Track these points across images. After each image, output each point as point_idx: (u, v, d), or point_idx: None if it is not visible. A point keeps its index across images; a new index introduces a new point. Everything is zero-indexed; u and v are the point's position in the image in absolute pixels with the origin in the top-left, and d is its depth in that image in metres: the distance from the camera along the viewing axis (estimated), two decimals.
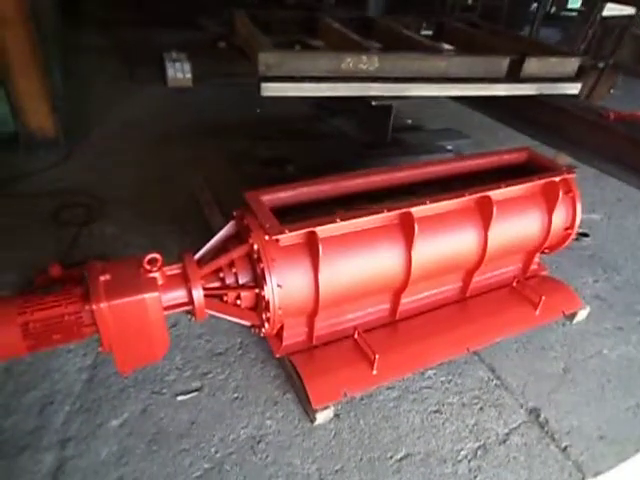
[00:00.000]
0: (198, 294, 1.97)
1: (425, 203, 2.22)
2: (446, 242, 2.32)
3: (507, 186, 2.41)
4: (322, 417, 2.07)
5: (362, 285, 2.19)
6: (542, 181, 2.53)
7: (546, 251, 2.87)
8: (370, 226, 2.15)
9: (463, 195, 2.32)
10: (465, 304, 2.65)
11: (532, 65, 3.32)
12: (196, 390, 2.18)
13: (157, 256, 1.93)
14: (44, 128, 4.04)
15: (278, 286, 1.98)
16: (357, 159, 3.59)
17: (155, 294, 1.88)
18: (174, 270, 2.02)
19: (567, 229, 2.70)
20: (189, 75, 5.51)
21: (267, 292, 1.96)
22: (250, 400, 2.16)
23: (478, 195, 2.34)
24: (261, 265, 1.95)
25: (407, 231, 2.18)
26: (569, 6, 11.77)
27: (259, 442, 1.99)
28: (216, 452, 1.93)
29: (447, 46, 4.26)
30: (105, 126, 4.60)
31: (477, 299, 2.66)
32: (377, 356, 2.14)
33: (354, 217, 2.08)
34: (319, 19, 3.94)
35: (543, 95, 3.53)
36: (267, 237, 1.94)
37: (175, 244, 3.00)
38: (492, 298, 2.67)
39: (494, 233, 2.38)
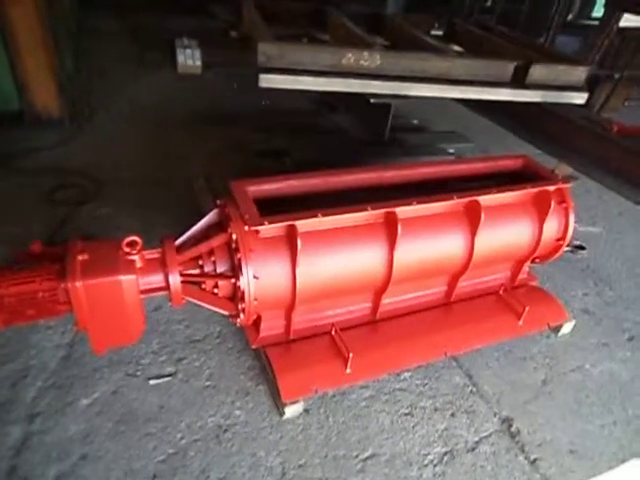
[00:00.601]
0: (174, 280, 1.97)
1: (411, 204, 2.19)
2: (431, 245, 2.30)
3: (498, 192, 2.38)
4: (291, 411, 2.07)
5: (341, 282, 2.18)
6: (535, 189, 2.49)
7: (537, 261, 2.83)
8: (353, 223, 2.13)
9: (451, 198, 2.29)
10: (449, 308, 2.62)
11: (538, 71, 3.27)
12: (169, 375, 2.19)
13: (136, 239, 1.94)
14: (49, 107, 4.08)
15: (254, 277, 1.98)
16: (355, 156, 3.56)
17: (132, 277, 1.88)
18: (153, 254, 2.02)
19: (559, 240, 2.66)
20: (199, 62, 5.52)
21: (243, 282, 1.96)
22: (222, 389, 2.16)
23: (467, 199, 2.32)
24: (238, 255, 1.95)
25: (390, 231, 2.16)
26: (593, 14, 11.57)
27: (225, 431, 1.99)
28: (181, 438, 1.94)
29: (456, 47, 4.24)
30: (111, 108, 4.62)
31: (461, 304, 2.64)
32: (351, 355, 2.13)
33: (336, 213, 2.06)
34: (328, 13, 3.92)
35: (548, 103, 3.48)
36: (246, 227, 1.94)
37: (166, 229, 2.97)
38: (476, 304, 2.64)
39: (481, 239, 2.35)
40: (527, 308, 2.50)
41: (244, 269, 1.95)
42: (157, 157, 3.88)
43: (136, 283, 1.91)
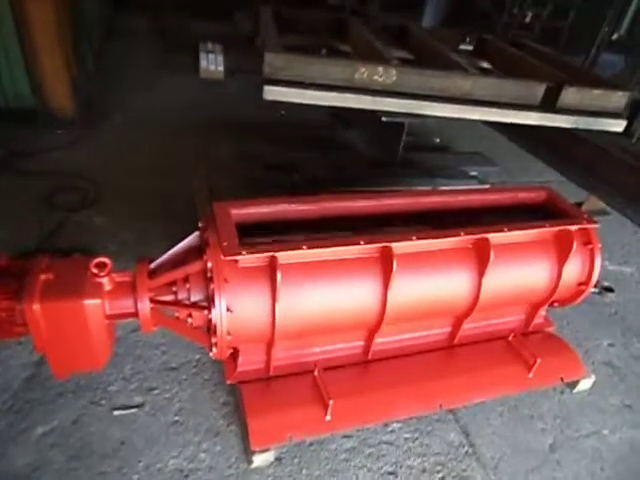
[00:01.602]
0: (144, 306, 1.82)
1: (411, 238, 1.98)
2: (431, 284, 2.07)
3: (511, 230, 2.13)
4: (260, 460, 1.87)
5: (327, 320, 1.98)
6: (555, 228, 2.23)
7: (555, 305, 2.55)
8: (343, 257, 1.93)
9: (458, 234, 2.06)
10: (451, 353, 2.38)
11: (570, 95, 2.99)
12: (136, 406, 2.03)
13: (106, 260, 1.80)
14: (64, 107, 4.04)
15: (228, 310, 1.80)
16: (367, 176, 3.36)
17: (97, 301, 1.75)
18: (124, 277, 1.88)
19: (581, 284, 2.38)
20: (221, 68, 5.43)
21: (214, 315, 1.79)
22: (190, 426, 1.99)
23: (475, 237, 2.08)
24: (212, 285, 1.78)
25: (385, 267, 1.94)
26: None
27: (186, 477, 1.81)
28: None
29: (485, 64, 3.99)
30: (126, 111, 4.57)
31: (465, 349, 2.39)
32: (331, 402, 1.92)
33: (323, 246, 1.87)
34: (350, 23, 3.73)
35: (581, 130, 3.19)
36: (222, 256, 1.77)
37: (161, 244, 2.87)
38: (482, 351, 2.39)
39: (490, 280, 2.11)
40: (538, 360, 2.24)
41: (217, 301, 1.78)
42: (164, 164, 3.78)
43: (102, 307, 1.77)
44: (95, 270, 1.78)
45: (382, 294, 1.96)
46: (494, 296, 2.20)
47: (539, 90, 3.00)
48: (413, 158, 3.77)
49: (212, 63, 5.42)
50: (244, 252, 1.77)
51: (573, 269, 2.32)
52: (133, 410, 2.01)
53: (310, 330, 2.01)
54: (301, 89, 2.70)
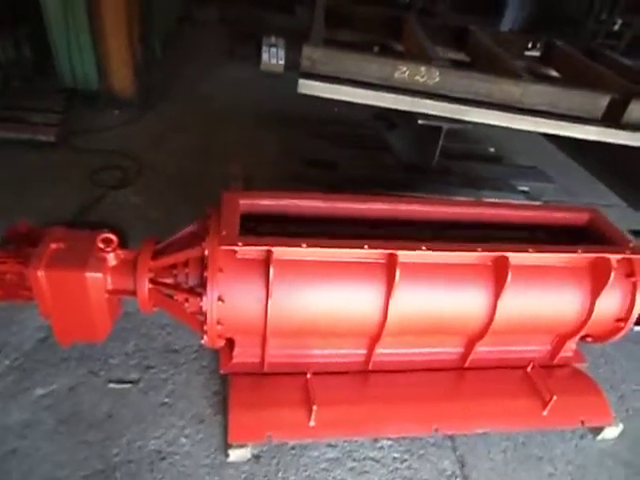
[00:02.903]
0: (142, 285, 1.85)
1: (420, 248, 1.86)
2: (439, 299, 1.94)
3: (537, 251, 1.94)
4: (236, 455, 1.85)
5: (323, 322, 1.91)
6: (591, 255, 2.01)
7: (588, 340, 2.31)
8: (344, 259, 1.85)
9: (474, 250, 1.91)
10: (459, 375, 2.22)
11: (639, 109, 2.68)
12: (131, 382, 2.08)
13: (111, 237, 1.85)
14: (125, 90, 4.25)
15: (220, 300, 1.79)
16: (404, 180, 3.23)
17: (98, 274, 1.80)
18: (129, 255, 1.93)
19: (619, 320, 2.13)
20: (282, 62, 5.47)
21: (205, 303, 1.78)
22: (177, 410, 2.00)
23: (493, 254, 1.92)
24: (205, 273, 1.78)
25: (389, 275, 1.84)
26: None
27: (162, 459, 1.83)
28: (116, 455, 1.81)
29: (552, 72, 3.70)
30: (183, 97, 4.72)
31: (476, 374, 2.22)
32: (315, 407, 1.86)
33: (324, 246, 1.80)
34: (404, 21, 3.60)
35: None
36: (218, 245, 1.75)
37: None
38: (494, 378, 2.21)
39: (507, 303, 1.94)
40: (555, 397, 2.02)
41: (209, 289, 1.77)
42: (208, 150, 3.86)
43: (103, 282, 1.82)
44: (101, 245, 1.83)
45: (383, 303, 1.86)
46: (511, 321, 2.02)
47: (602, 102, 2.72)
48: (457, 166, 3.57)
49: (273, 57, 5.47)
50: (240, 243, 1.75)
51: (610, 302, 2.07)
52: (127, 385, 2.06)
53: (304, 330, 1.95)
54: (337, 85, 2.63)
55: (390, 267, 1.83)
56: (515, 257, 1.91)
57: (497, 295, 1.93)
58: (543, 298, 2.03)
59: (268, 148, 4.03)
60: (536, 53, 3.90)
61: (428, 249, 1.85)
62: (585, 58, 3.45)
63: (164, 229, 2.35)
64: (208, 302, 1.78)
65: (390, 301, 1.84)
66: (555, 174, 4.22)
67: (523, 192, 3.60)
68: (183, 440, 1.90)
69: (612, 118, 2.77)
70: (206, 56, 5.76)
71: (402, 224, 2.14)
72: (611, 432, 2.14)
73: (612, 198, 3.82)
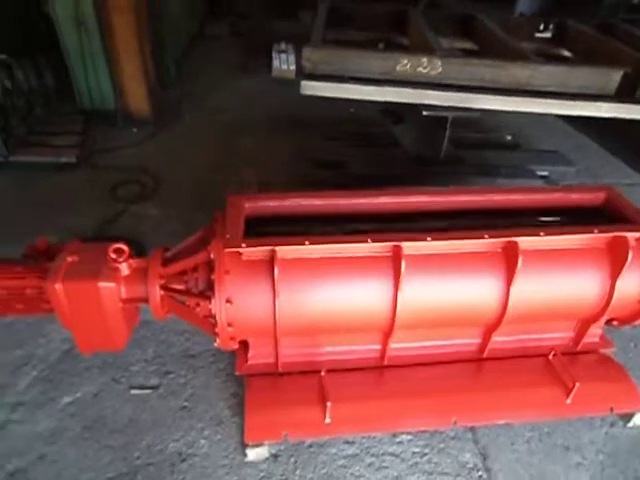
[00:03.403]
0: (154, 292, 1.89)
1: (425, 239, 1.84)
2: (448, 289, 1.90)
3: (548, 234, 1.89)
4: (254, 454, 1.87)
5: (332, 319, 1.91)
6: (607, 234, 1.93)
7: (614, 324, 2.22)
8: (349, 255, 1.85)
9: (481, 237, 1.87)
10: (478, 366, 2.17)
11: None
12: (151, 388, 2.13)
13: (123, 247, 1.91)
14: (140, 109, 4.39)
15: (228, 302, 1.82)
16: (414, 173, 3.19)
17: (111, 284, 1.85)
18: (141, 264, 1.98)
19: None
20: (293, 67, 5.52)
21: (214, 306, 1.81)
22: (197, 413, 2.04)
23: (502, 240, 1.87)
24: (212, 276, 1.81)
25: (395, 268, 1.83)
26: None
27: (183, 461, 1.87)
28: (137, 458, 1.86)
29: (564, 52, 3.60)
30: (197, 111, 4.81)
31: (495, 364, 2.16)
32: (329, 404, 1.85)
33: (327, 242, 1.81)
34: (409, 15, 3.58)
35: None
36: (223, 248, 1.79)
37: None
38: (515, 368, 2.15)
39: (520, 290, 1.89)
40: (577, 384, 1.95)
41: (217, 291, 1.80)
42: (222, 160, 3.93)
43: (117, 291, 1.87)
44: (113, 255, 1.89)
45: (392, 296, 1.84)
46: (527, 308, 1.97)
47: (614, 77, 2.63)
48: (472, 155, 3.51)
49: (284, 63, 5.53)
50: (244, 245, 1.78)
51: (631, 283, 1.99)
52: (148, 391, 2.12)
53: (315, 328, 1.95)
54: (339, 83, 2.65)
55: (396, 259, 1.82)
56: (525, 242, 1.86)
57: (509, 282, 1.88)
58: (560, 282, 1.97)
59: (282, 153, 4.07)
60: (548, 35, 3.81)
61: (433, 239, 1.84)
62: (598, 34, 3.34)
63: (181, 239, 2.40)
64: (217, 305, 1.81)
65: (398, 294, 1.83)
66: (579, 157, 4.10)
67: (542, 177, 3.50)
68: (202, 442, 1.94)
69: (626, 93, 2.67)
70: (219, 70, 5.87)
71: (409, 216, 2.12)
72: None
73: (636, 177, 3.67)
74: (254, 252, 1.81)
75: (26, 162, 3.62)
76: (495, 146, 3.86)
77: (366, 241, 1.81)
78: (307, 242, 1.79)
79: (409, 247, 1.82)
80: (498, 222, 2.04)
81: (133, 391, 2.11)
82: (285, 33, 6.37)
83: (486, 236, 1.86)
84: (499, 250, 1.91)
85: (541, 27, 3.69)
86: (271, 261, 1.80)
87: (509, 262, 1.88)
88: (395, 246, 1.82)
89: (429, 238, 1.83)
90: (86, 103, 4.28)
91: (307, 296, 1.85)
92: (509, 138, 4.09)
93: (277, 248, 1.77)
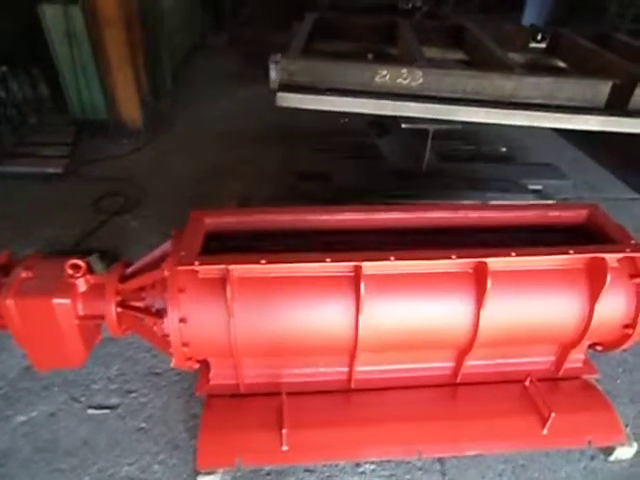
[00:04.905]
0: (110, 310, 1.84)
1: (388, 259, 1.75)
2: (413, 311, 1.81)
3: (521, 255, 1.79)
4: None
5: (291, 340, 1.82)
6: (584, 255, 1.82)
7: (598, 349, 2.10)
8: (307, 274, 1.77)
9: (448, 257, 1.77)
10: (451, 392, 2.06)
11: None
12: (110, 408, 2.07)
13: (80, 263, 1.85)
14: (133, 120, 4.39)
15: (182, 321, 1.75)
16: (398, 187, 3.10)
17: (66, 301, 1.80)
18: (98, 280, 1.93)
19: (627, 327, 1.92)
20: None
21: (166, 325, 1.75)
22: (153, 435, 1.97)
23: (471, 260, 1.78)
24: (165, 295, 1.75)
25: (356, 287, 1.74)
26: None
27: None
28: None
29: (559, 62, 3.50)
30: (190, 123, 4.80)
31: (468, 390, 2.05)
32: (284, 431, 1.77)
33: (282, 261, 1.73)
34: (398, 26, 3.51)
35: None
36: (176, 266, 1.72)
37: None
38: (489, 395, 2.03)
39: (490, 312, 1.79)
40: (553, 414, 1.83)
41: (169, 311, 1.73)
42: (210, 172, 3.90)
43: (73, 308, 1.82)
44: (70, 271, 1.84)
45: (353, 318, 1.76)
46: (500, 331, 1.86)
47: (602, 89, 2.53)
48: (460, 169, 3.41)
49: None
50: (197, 262, 1.71)
51: (611, 306, 1.87)
52: (106, 411, 2.05)
53: (274, 350, 1.87)
54: (315, 95, 2.59)
55: (356, 280, 1.73)
56: (495, 262, 1.76)
57: (479, 304, 1.78)
58: (534, 305, 1.86)
59: (270, 165, 4.02)
60: (542, 45, 3.71)
61: (396, 259, 1.75)
62: (591, 45, 3.24)
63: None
64: (170, 324, 1.74)
65: (359, 316, 1.74)
66: (578, 169, 3.98)
67: (534, 191, 3.38)
68: (156, 467, 1.86)
69: (617, 105, 2.56)
70: (216, 80, 5.88)
71: (376, 233, 2.04)
72: (625, 452, 1.91)
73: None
74: (210, 270, 1.74)
75: (13, 173, 3.63)
76: (487, 159, 3.76)
77: (324, 260, 1.73)
78: (263, 261, 1.71)
79: (370, 267, 1.73)
80: (468, 240, 1.95)
81: (90, 411, 2.05)
82: (277, 44, 6.34)
83: (453, 256, 1.77)
84: (469, 271, 1.82)
85: (539, 37, 3.59)
86: (224, 280, 1.74)
87: (479, 283, 1.78)
88: (355, 266, 1.74)
89: (392, 258, 1.74)
90: (78, 113, 4.29)
91: (264, 316, 1.77)
92: (504, 150, 3.99)
93: (231, 267, 1.70)
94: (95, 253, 2.71)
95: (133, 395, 2.12)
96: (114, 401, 2.09)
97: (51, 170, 3.62)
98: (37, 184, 3.56)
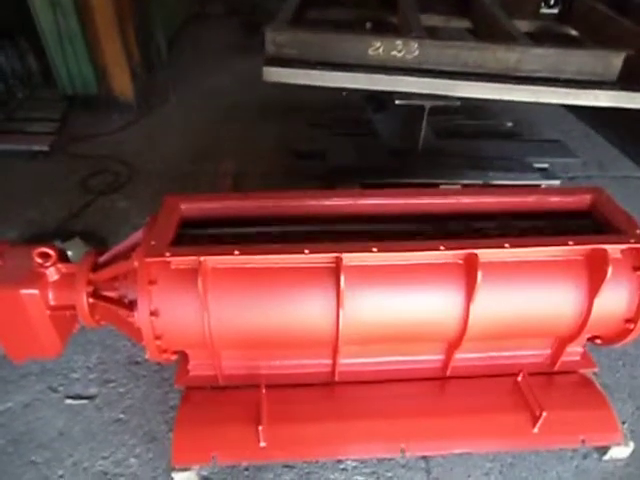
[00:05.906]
0: (81, 300, 1.76)
1: (370, 250, 1.63)
2: (395, 304, 1.70)
3: (514, 246, 1.66)
4: (181, 478, 1.73)
5: (270, 333, 1.73)
6: (584, 246, 1.69)
7: (597, 342, 1.98)
8: (284, 265, 1.66)
9: (436, 248, 1.65)
10: (440, 387, 1.98)
11: None
12: (88, 398, 2.02)
13: (49, 251, 1.77)
14: (124, 93, 4.23)
15: (153, 314, 1.66)
16: (394, 167, 2.95)
17: (34, 291, 1.72)
18: (70, 269, 1.84)
19: (629, 321, 1.80)
20: None
21: (137, 317, 1.66)
22: (131, 427, 1.92)
23: (460, 252, 1.66)
24: (135, 287, 1.65)
25: (336, 280, 1.63)
26: None
27: None
28: (60, 477, 1.75)
29: (571, 31, 3.26)
30: (187, 95, 4.63)
31: (458, 385, 1.96)
32: (261, 427, 1.70)
33: (257, 252, 1.62)
34: None
35: None
36: (145, 256, 1.62)
37: None
38: (479, 389, 1.94)
39: (482, 305, 1.68)
40: (544, 412, 1.74)
41: (139, 303, 1.65)
42: (202, 149, 3.76)
43: (42, 298, 1.74)
44: (39, 260, 1.76)
45: (334, 311, 1.66)
46: (491, 326, 1.76)
47: (614, 61, 2.32)
48: (462, 146, 3.24)
49: None
50: (168, 253, 1.61)
51: (614, 300, 1.75)
52: (84, 401, 2.00)
53: (251, 342, 1.78)
54: (304, 69, 2.42)
55: (336, 271, 1.63)
56: (486, 254, 1.64)
57: (469, 297, 1.67)
58: (528, 298, 1.74)
59: (266, 141, 3.87)
60: (554, 11, 3.45)
61: (379, 250, 1.63)
62: (609, 11, 2.98)
63: None
64: (140, 317, 1.66)
65: (340, 310, 1.64)
66: (588, 146, 3.78)
67: (540, 170, 3.21)
68: (132, 460, 1.81)
69: (631, 79, 2.36)
70: (213, 50, 5.66)
71: (363, 220, 1.91)
72: (620, 451, 1.82)
73: None
74: (181, 261, 1.64)
75: None
76: (491, 135, 3.56)
77: (302, 252, 1.62)
78: (237, 252, 1.61)
79: (351, 258, 1.62)
80: (460, 228, 1.82)
81: (68, 401, 2.00)
82: (272, 12, 6.06)
83: (442, 247, 1.65)
84: (459, 262, 1.70)
85: (551, 1, 3.33)
86: (197, 271, 1.64)
87: (469, 276, 1.66)
88: (336, 257, 1.62)
89: (375, 249, 1.63)
90: (68, 88, 4.14)
91: (239, 309, 1.68)
92: (510, 125, 3.78)
93: (203, 258, 1.60)
94: (76, 236, 2.63)
95: (112, 385, 2.07)
96: (92, 391, 2.04)
97: (37, 147, 3.51)
98: (22, 162, 3.46)
